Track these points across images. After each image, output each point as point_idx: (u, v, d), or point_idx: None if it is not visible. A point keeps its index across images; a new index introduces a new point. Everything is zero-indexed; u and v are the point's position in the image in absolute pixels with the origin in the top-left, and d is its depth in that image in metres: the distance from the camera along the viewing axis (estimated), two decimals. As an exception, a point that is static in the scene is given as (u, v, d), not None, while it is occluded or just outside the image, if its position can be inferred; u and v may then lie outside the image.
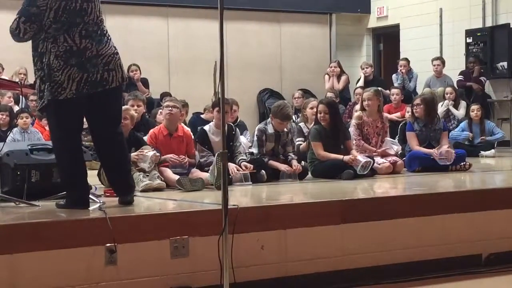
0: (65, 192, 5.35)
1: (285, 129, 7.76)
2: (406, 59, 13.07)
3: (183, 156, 7.02)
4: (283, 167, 7.47)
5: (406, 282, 5.32)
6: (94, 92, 5.09)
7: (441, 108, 11.24)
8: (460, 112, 11.54)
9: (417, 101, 8.73)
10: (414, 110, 8.69)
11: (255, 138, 7.66)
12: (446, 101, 11.58)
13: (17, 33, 5.03)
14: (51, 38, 5.02)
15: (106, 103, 5.20)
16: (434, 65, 12.64)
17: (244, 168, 7.10)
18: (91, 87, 5.07)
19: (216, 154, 6.73)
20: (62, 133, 5.17)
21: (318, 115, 7.85)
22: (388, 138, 8.53)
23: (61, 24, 5.02)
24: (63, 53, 5.01)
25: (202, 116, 10.32)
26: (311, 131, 7.93)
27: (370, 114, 8.41)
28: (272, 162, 7.47)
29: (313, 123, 8.19)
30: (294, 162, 7.56)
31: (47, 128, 9.70)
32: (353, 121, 8.50)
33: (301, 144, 8.53)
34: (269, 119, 7.80)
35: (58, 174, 5.50)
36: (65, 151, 5.19)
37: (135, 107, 8.58)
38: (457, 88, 12.12)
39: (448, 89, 11.78)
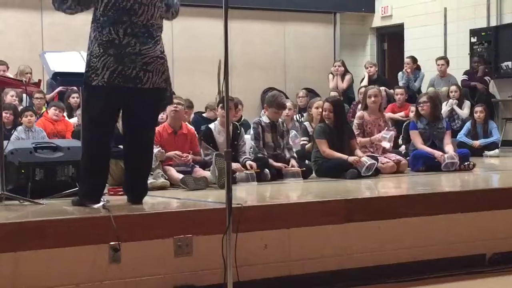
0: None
1: (280, 119, 7.77)
2: (412, 57, 12.97)
3: (187, 154, 7.03)
4: (278, 165, 7.45)
5: (410, 282, 5.31)
6: (128, 88, 5.10)
7: (445, 108, 11.21)
8: (464, 112, 11.50)
9: (424, 98, 8.72)
10: (420, 108, 8.65)
11: (252, 132, 7.66)
12: (451, 100, 11.53)
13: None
14: (99, 28, 5.11)
15: (142, 103, 5.19)
16: (438, 65, 12.59)
17: (249, 167, 7.11)
18: (123, 81, 5.09)
19: (215, 154, 6.74)
20: (90, 122, 5.20)
21: (323, 113, 7.86)
22: (384, 131, 8.38)
23: (107, 18, 5.10)
24: (105, 42, 5.09)
25: (204, 114, 10.34)
26: (315, 129, 7.93)
27: (372, 111, 8.40)
28: (271, 162, 7.45)
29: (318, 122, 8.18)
30: (293, 162, 7.57)
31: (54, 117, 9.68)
32: (355, 121, 8.47)
33: (306, 144, 8.53)
34: (263, 111, 7.80)
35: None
36: (89, 143, 5.22)
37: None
38: (461, 87, 12.10)
39: (453, 88, 11.73)
